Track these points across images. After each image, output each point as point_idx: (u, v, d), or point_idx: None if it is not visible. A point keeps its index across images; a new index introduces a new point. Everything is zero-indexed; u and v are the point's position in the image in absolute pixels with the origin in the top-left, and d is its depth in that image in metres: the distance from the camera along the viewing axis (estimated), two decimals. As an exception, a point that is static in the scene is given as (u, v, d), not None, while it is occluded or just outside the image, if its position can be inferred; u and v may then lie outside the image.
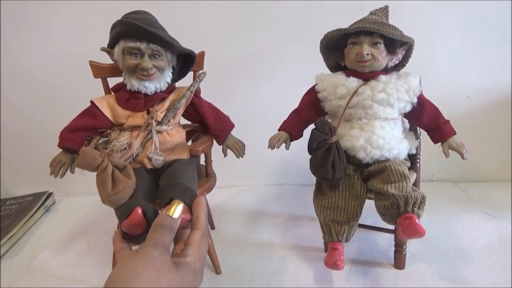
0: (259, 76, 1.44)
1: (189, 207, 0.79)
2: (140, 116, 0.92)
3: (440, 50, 1.36)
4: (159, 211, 0.81)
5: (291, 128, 0.99)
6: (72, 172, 0.90)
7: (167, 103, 0.95)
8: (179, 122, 0.99)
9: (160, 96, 0.94)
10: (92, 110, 0.93)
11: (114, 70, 0.98)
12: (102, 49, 0.93)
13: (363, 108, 0.90)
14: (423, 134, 0.99)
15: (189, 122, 1.06)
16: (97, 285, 1.00)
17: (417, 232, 0.73)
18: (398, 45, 0.93)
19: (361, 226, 0.99)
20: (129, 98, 0.93)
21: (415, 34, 0.91)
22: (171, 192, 0.79)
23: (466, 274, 0.94)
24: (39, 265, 1.10)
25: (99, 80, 1.00)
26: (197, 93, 0.99)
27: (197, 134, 1.07)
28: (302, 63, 1.34)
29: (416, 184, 1.00)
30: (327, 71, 1.03)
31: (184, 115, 1.00)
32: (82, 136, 0.90)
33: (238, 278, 0.99)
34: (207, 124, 0.99)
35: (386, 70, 0.95)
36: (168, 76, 0.95)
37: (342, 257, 0.83)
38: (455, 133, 0.94)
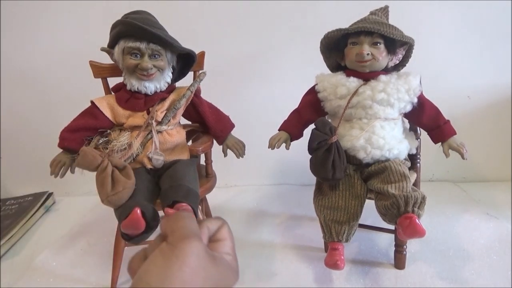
0: (259, 76, 1.44)
1: (193, 209, 0.79)
2: (140, 116, 0.92)
3: (440, 50, 1.36)
4: (159, 212, 0.82)
5: (291, 128, 0.99)
6: (72, 172, 0.91)
7: (167, 103, 0.95)
8: (179, 122, 0.99)
9: (160, 96, 0.94)
10: (92, 110, 0.93)
11: (114, 70, 0.98)
12: (102, 49, 0.93)
13: (363, 108, 0.90)
14: (423, 134, 0.99)
15: (189, 122, 1.06)
16: (97, 285, 1.00)
17: (417, 232, 0.73)
18: (398, 45, 0.93)
19: (361, 226, 0.99)
20: (129, 98, 0.93)
21: (415, 34, 0.91)
22: (173, 194, 0.80)
23: (466, 274, 0.94)
24: (39, 265, 1.10)
25: (99, 80, 1.00)
26: (197, 93, 0.99)
27: (197, 134, 1.06)
28: (302, 63, 1.34)
29: (416, 184, 1.00)
30: (327, 71, 1.03)
31: (184, 115, 1.00)
32: (82, 136, 0.90)
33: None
34: (207, 124, 0.99)
35: (386, 70, 0.95)
36: (168, 76, 0.95)
37: (342, 257, 0.83)
38: (455, 133, 0.94)
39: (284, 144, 0.97)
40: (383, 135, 0.89)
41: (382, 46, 0.90)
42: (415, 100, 0.92)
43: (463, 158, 0.90)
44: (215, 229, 0.39)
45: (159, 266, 0.31)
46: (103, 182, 0.79)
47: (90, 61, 0.97)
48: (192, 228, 0.34)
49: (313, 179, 0.95)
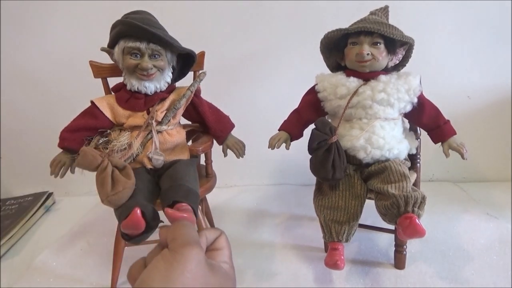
0: (259, 76, 1.44)
1: (193, 209, 0.79)
2: (140, 116, 0.92)
3: (440, 50, 1.36)
4: (159, 212, 0.82)
5: (291, 128, 0.99)
6: (72, 172, 0.91)
7: (167, 103, 0.95)
8: (179, 122, 0.99)
9: (160, 96, 0.94)
10: (92, 110, 0.93)
11: (114, 70, 0.98)
12: (102, 49, 0.93)
13: (363, 108, 0.90)
14: (423, 134, 0.99)
15: (189, 122, 1.06)
16: (97, 285, 1.00)
17: (417, 232, 0.73)
18: (398, 45, 0.93)
19: (361, 226, 0.99)
20: (129, 98, 0.93)
21: (415, 34, 0.91)
22: (174, 194, 0.80)
23: (466, 274, 0.94)
24: (39, 265, 1.10)
25: (99, 80, 1.00)
26: (197, 93, 0.99)
27: (197, 134, 1.06)
28: (302, 63, 1.34)
29: (416, 184, 1.00)
30: (327, 71, 1.03)
31: (184, 115, 1.00)
32: (82, 136, 0.90)
33: (238, 278, 0.98)
34: (207, 124, 0.99)
35: (386, 70, 0.95)
36: (168, 76, 0.95)
37: (342, 257, 0.83)
38: (455, 133, 0.94)
39: (284, 144, 0.97)
40: (383, 135, 0.89)
41: (382, 46, 0.90)
42: (415, 100, 0.92)
43: (463, 158, 0.90)
44: (213, 238, 0.40)
45: (161, 271, 0.32)
46: (103, 182, 0.79)
47: (90, 61, 0.97)
48: (193, 236, 0.36)
49: (313, 179, 0.95)
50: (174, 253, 0.33)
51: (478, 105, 1.42)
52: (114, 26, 0.90)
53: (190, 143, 1.06)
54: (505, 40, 1.33)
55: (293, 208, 1.36)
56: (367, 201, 0.91)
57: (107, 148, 0.87)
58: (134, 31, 0.86)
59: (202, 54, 1.02)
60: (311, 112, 0.99)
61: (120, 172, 0.81)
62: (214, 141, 1.01)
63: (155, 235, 0.84)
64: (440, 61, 1.36)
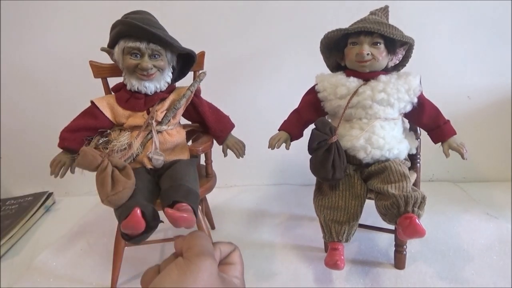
0: (259, 76, 1.44)
1: (193, 209, 0.79)
2: (140, 116, 0.92)
3: (440, 50, 1.36)
4: (159, 212, 0.82)
5: (291, 128, 0.99)
6: (72, 172, 0.91)
7: (167, 103, 0.95)
8: (179, 122, 0.99)
9: (160, 96, 0.94)
10: (92, 110, 0.93)
11: (114, 70, 0.98)
12: (102, 49, 0.93)
13: (363, 108, 0.90)
14: (423, 134, 0.99)
15: (189, 122, 1.06)
16: (97, 285, 1.00)
17: (417, 232, 0.73)
18: (398, 45, 0.93)
19: (361, 226, 0.99)
20: (129, 98, 0.93)
21: (415, 34, 0.91)
22: (174, 194, 0.80)
23: (466, 274, 0.94)
24: (39, 265, 1.10)
25: (99, 80, 1.00)
26: (197, 93, 0.99)
27: (197, 134, 1.06)
28: (302, 63, 1.34)
29: (416, 184, 1.00)
30: (327, 71, 1.03)
31: (184, 115, 1.00)
32: (82, 136, 0.90)
33: (238, 278, 0.98)
34: (207, 124, 0.99)
35: (386, 70, 0.95)
36: (168, 76, 0.95)
37: (342, 257, 0.83)
38: (455, 133, 0.94)
39: (284, 144, 0.97)
40: (383, 135, 0.89)
41: (382, 46, 0.90)
42: (415, 100, 0.92)
43: (463, 158, 0.90)
44: (227, 252, 0.41)
45: (173, 278, 0.33)
46: (103, 182, 0.79)
47: (90, 61, 0.97)
48: (208, 247, 0.36)
49: (313, 179, 0.95)
50: (188, 262, 0.34)
51: (478, 105, 1.42)
52: (114, 26, 0.90)
53: (190, 143, 1.06)
54: (505, 40, 1.33)
55: (293, 208, 1.36)
56: (367, 201, 0.91)
57: (107, 148, 0.87)
58: (134, 31, 0.86)
59: (202, 54, 1.02)
60: (311, 112, 0.99)
61: (120, 172, 0.81)
62: (214, 141, 1.02)
63: (155, 235, 0.84)
64: (440, 61, 1.36)
